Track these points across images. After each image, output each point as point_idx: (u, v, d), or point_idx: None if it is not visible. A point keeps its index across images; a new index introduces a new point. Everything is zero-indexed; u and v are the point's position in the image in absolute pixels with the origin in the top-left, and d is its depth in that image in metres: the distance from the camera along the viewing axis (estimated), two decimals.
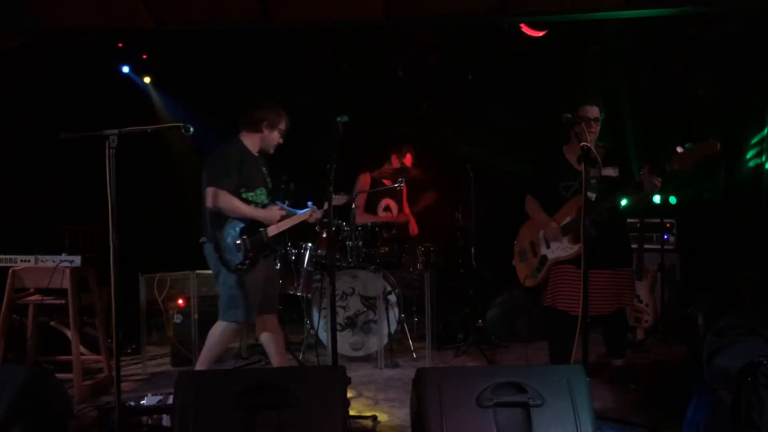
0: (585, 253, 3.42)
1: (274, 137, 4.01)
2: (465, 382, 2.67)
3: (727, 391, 2.57)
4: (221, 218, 3.79)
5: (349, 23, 4.97)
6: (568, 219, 3.95)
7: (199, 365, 3.96)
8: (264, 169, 4.10)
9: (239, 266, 3.81)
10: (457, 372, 2.97)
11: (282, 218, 4.00)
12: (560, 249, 4.00)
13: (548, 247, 4.07)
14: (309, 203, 4.15)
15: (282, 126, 4.03)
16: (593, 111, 3.90)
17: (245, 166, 3.89)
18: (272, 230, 3.94)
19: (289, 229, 5.24)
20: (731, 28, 5.17)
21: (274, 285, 4.18)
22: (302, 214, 4.09)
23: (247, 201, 3.88)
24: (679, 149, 3.41)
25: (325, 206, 4.09)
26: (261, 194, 4.00)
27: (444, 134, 5.68)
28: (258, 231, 3.88)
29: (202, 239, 3.91)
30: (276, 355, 4.07)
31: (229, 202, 3.76)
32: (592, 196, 3.86)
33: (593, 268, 3.74)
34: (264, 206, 3.96)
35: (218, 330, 3.91)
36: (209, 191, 3.75)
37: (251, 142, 3.99)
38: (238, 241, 3.80)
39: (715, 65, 5.65)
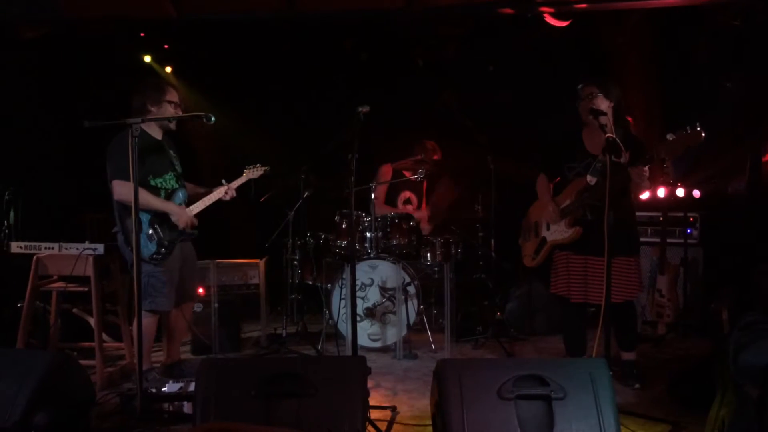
0: (608, 243, 3.41)
1: (166, 112, 3.88)
2: (486, 374, 2.66)
3: (754, 387, 2.53)
4: (128, 209, 3.66)
5: (371, 12, 4.95)
6: (567, 202, 3.96)
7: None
8: (171, 152, 4.05)
9: (154, 256, 3.81)
10: (479, 364, 2.97)
11: (198, 197, 4.05)
12: (557, 232, 4.03)
13: (548, 229, 4.10)
14: (222, 181, 4.15)
15: (169, 97, 3.90)
16: (588, 88, 3.93)
17: (148, 154, 3.84)
18: (192, 210, 3.97)
19: (308, 219, 5.30)
20: (759, 18, 5.07)
21: (192, 271, 4.18)
22: (215, 193, 4.10)
23: (156, 188, 3.87)
24: (670, 137, 3.41)
25: (238, 182, 4.21)
26: (170, 180, 3.97)
27: (464, 125, 5.64)
28: (169, 218, 3.88)
29: (115, 229, 3.90)
30: (171, 342, 4.18)
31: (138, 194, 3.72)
32: (592, 180, 3.86)
33: (590, 254, 3.82)
34: (172, 191, 3.93)
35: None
36: (116, 184, 3.72)
37: (148, 126, 3.89)
38: (150, 231, 3.80)
39: (742, 56, 5.55)
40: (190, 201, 4.06)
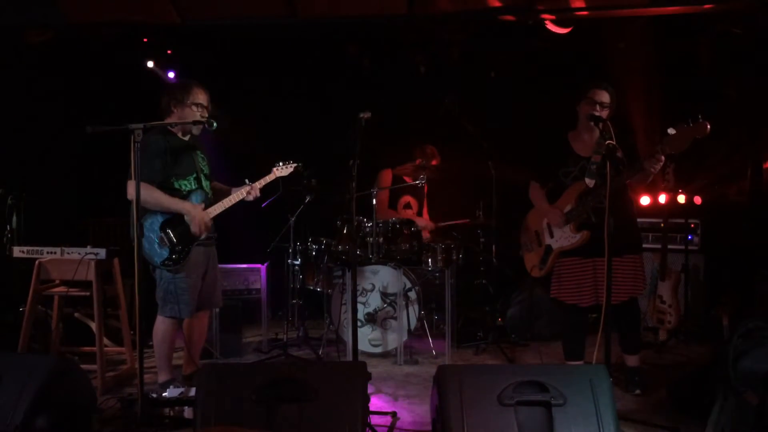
0: (608, 245, 3.42)
1: (188, 114, 3.76)
2: (487, 379, 2.66)
3: (753, 394, 2.53)
4: (141, 212, 3.59)
5: (373, 18, 4.97)
6: (569, 207, 3.95)
7: (161, 372, 3.89)
8: (198, 152, 3.92)
9: (166, 262, 3.67)
10: (479, 369, 2.97)
11: (219, 198, 3.87)
12: (563, 238, 3.99)
13: (552, 236, 4.07)
14: (246, 181, 3.96)
15: (193, 99, 3.77)
16: (603, 95, 3.88)
17: (172, 154, 3.72)
18: (210, 212, 3.79)
19: (309, 224, 5.31)
20: (760, 25, 5.08)
21: (214, 278, 4.01)
22: (236, 194, 3.90)
23: (179, 190, 3.74)
24: (671, 131, 3.40)
25: (265, 180, 3.99)
26: (192, 181, 3.83)
27: (466, 131, 5.65)
28: (183, 221, 3.71)
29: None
30: (190, 355, 4.03)
31: (150, 194, 3.58)
32: (591, 182, 3.85)
33: (598, 256, 3.77)
34: (189, 192, 3.77)
35: (159, 327, 3.81)
36: (130, 184, 3.58)
37: (174, 128, 3.82)
38: (161, 236, 3.66)
39: (743, 63, 5.56)
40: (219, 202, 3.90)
